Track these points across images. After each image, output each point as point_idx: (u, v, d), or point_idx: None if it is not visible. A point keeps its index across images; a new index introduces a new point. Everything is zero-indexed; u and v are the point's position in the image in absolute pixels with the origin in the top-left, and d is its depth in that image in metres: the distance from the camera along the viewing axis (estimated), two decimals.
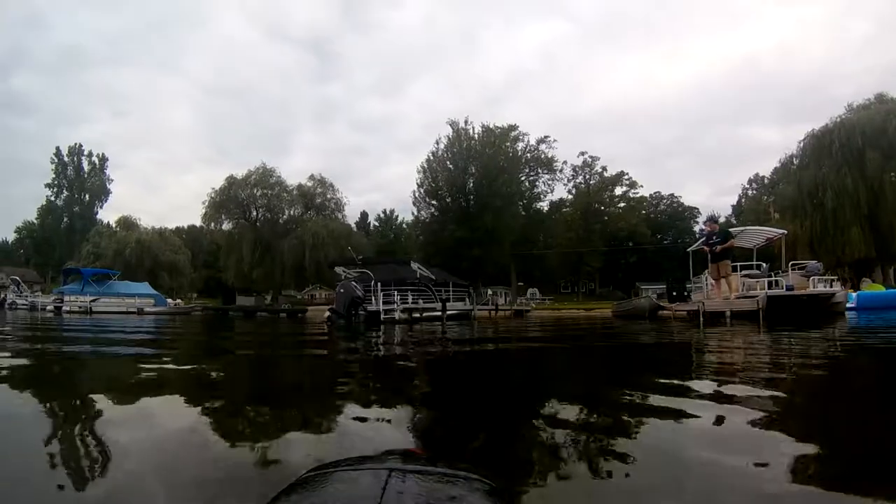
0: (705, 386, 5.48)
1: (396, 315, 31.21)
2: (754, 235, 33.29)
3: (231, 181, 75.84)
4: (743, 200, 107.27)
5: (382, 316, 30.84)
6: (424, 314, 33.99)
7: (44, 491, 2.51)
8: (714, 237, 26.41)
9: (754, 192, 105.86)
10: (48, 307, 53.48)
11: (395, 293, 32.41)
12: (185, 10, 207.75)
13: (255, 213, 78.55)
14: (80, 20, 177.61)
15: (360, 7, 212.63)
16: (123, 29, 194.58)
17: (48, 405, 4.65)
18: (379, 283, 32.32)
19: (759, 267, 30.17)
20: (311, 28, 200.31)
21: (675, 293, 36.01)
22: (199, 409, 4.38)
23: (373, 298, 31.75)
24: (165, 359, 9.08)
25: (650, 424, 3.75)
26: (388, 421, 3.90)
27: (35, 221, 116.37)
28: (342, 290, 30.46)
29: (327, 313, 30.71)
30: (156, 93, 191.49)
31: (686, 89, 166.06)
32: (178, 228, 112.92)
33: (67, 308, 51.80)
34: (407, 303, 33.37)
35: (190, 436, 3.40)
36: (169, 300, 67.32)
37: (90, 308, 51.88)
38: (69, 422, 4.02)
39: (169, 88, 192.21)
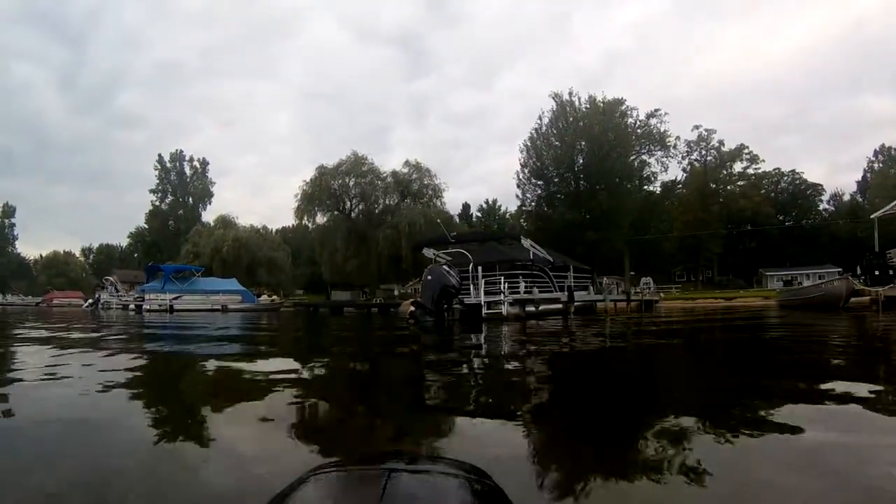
0: None
1: (504, 309, 22.15)
2: None
3: (322, 171, 68.11)
4: (869, 175, 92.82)
5: (485, 311, 22.01)
6: (541, 307, 24.71)
7: None
8: None
9: (881, 164, 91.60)
10: (130, 306, 51.08)
11: (502, 280, 23.08)
12: (276, 19, 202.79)
13: (348, 204, 70.61)
14: (176, 36, 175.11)
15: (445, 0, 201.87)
16: (219, 42, 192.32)
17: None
18: (479, 268, 23.30)
19: None
20: (399, 26, 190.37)
21: (877, 272, 25.91)
22: None
23: (471, 287, 22.87)
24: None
25: None
26: None
27: (145, 226, 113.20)
28: (430, 278, 21.80)
29: (411, 308, 21.97)
30: (256, 100, 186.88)
31: (789, 60, 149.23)
32: (283, 228, 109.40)
33: (148, 307, 48.63)
34: (518, 292, 23.90)
35: None
36: (264, 296, 61.57)
37: (171, 306, 48.62)
38: None
39: (268, 95, 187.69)
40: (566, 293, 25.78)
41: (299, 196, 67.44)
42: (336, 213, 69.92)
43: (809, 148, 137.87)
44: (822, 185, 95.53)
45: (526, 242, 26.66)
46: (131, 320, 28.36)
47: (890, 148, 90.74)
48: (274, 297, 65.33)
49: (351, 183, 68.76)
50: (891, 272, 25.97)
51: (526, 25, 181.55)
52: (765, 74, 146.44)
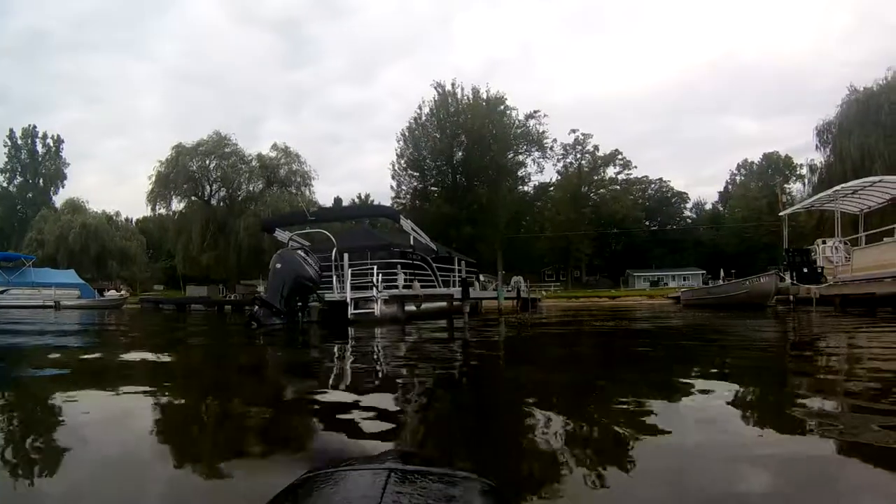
0: None
1: (377, 308, 16.13)
2: (872, 194, 23.85)
3: (179, 150, 58.66)
4: (731, 187, 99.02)
5: (352, 310, 15.92)
6: (423, 306, 18.85)
7: None
8: None
9: (742, 178, 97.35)
10: None
11: (375, 270, 16.98)
12: None
13: (208, 189, 61.47)
14: (44, 4, 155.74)
15: None
16: (90, 12, 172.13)
17: None
18: (346, 255, 17.21)
19: None
20: (281, 11, 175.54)
21: (805, 269, 22.35)
22: None
23: (334, 279, 16.80)
24: None
25: None
26: None
27: None
28: (279, 266, 15.67)
29: (255, 307, 15.71)
30: (126, 79, 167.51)
31: (664, 80, 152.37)
32: (144, 217, 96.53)
33: None
34: (395, 287, 17.99)
35: None
36: (112, 291, 52.50)
37: None
38: None
39: (139, 74, 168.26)
40: (461, 289, 19.66)
41: (153, 178, 58.14)
42: (194, 198, 61.02)
43: (676, 160, 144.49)
44: (686, 194, 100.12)
45: (406, 224, 20.59)
46: None
47: (752, 163, 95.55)
48: (123, 292, 56.27)
49: (212, 165, 60.10)
50: (819, 270, 22.42)
51: (410, 24, 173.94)
52: (640, 90, 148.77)
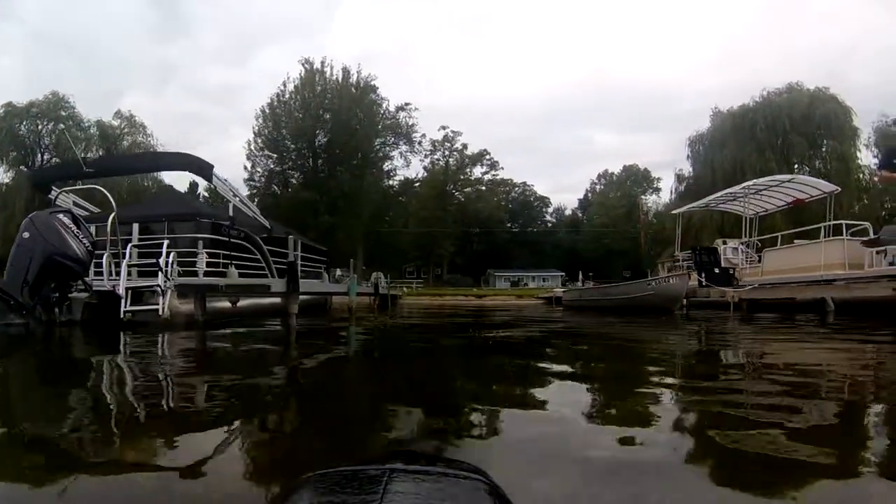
0: None
1: (163, 304, 10.60)
2: (776, 195, 21.98)
3: (8, 110, 50.13)
4: (591, 195, 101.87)
5: (126, 306, 10.49)
6: (241, 302, 13.63)
7: None
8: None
9: (602, 187, 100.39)
10: None
11: (166, 246, 11.18)
12: None
13: (39, 158, 53.04)
14: None
15: None
16: None
17: None
18: (136, 226, 11.83)
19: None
20: None
21: (716, 269, 20.31)
22: None
23: (105, 259, 11.37)
24: None
25: None
26: None
27: None
28: (26, 236, 9.90)
29: None
30: None
31: (533, 90, 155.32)
32: None
33: None
34: (195, 274, 12.30)
35: None
36: None
37: None
38: None
39: None
40: (286, 278, 13.47)
41: None
42: (23, 168, 51.81)
43: (540, 166, 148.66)
44: (549, 199, 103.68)
45: (223, 186, 13.92)
46: None
47: (612, 174, 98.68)
48: None
49: (44, 130, 52.01)
50: (731, 271, 20.06)
51: (289, 7, 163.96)
52: (512, 97, 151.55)
